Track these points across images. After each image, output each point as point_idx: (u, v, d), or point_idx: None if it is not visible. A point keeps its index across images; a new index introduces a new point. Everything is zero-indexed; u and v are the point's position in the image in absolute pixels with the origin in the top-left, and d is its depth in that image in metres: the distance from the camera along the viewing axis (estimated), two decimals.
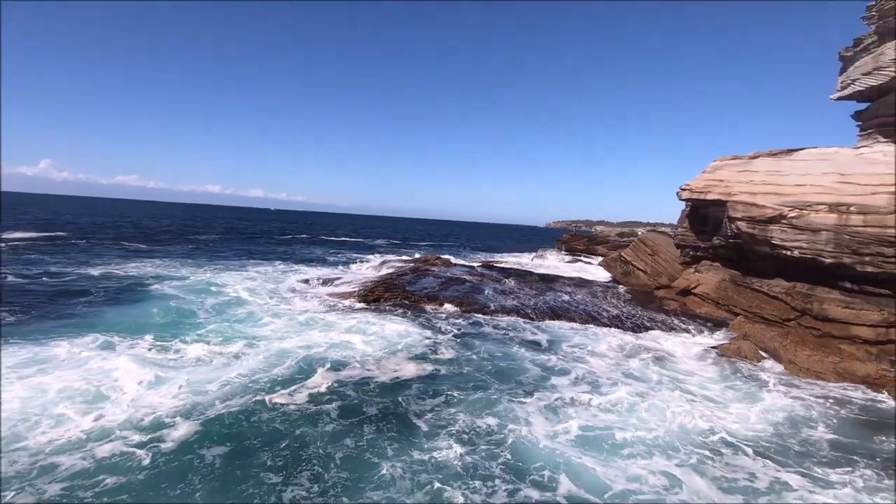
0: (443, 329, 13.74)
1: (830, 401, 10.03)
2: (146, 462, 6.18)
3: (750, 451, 7.65)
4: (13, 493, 5.37)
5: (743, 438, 8.05)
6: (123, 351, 10.26)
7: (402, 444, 7.10)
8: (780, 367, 12.07)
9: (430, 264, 27.18)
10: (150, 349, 10.52)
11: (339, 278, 22.98)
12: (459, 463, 6.65)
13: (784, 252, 15.76)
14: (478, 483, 6.23)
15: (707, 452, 7.46)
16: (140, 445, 6.52)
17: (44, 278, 18.19)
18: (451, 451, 6.91)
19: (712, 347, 13.19)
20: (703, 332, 15.37)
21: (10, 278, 17.47)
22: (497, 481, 6.31)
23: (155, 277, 20.13)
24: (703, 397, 9.71)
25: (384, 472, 6.33)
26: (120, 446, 6.48)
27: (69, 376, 8.57)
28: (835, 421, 9.04)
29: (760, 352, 12.63)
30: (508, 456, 6.96)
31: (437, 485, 6.09)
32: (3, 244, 27.64)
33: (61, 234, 37.85)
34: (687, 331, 15.40)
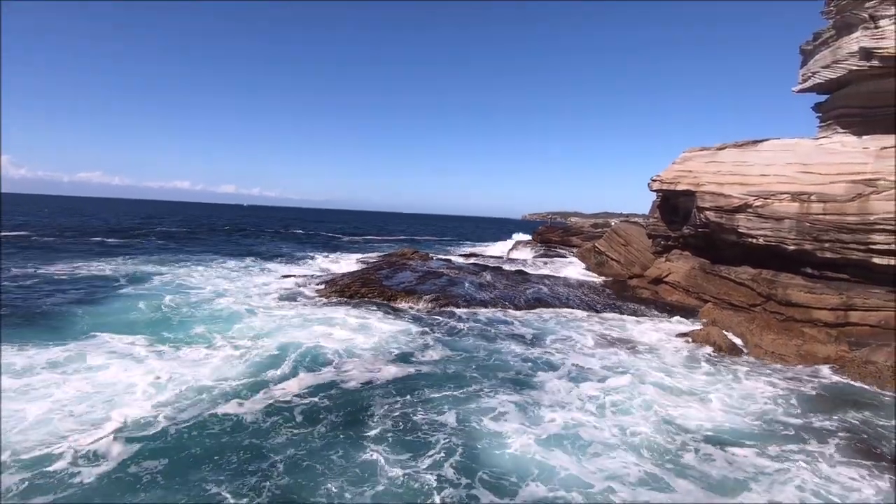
0: (420, 324, 13.71)
1: (795, 382, 10.44)
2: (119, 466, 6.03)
3: (726, 437, 7.61)
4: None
5: (717, 427, 8.01)
6: (103, 353, 9.98)
7: (361, 451, 6.66)
8: (748, 353, 12.51)
9: (408, 258, 27.13)
10: (129, 351, 10.23)
11: (314, 274, 22.74)
12: (416, 465, 6.36)
13: (750, 240, 16.32)
14: (442, 490, 5.89)
15: (684, 443, 7.34)
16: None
17: (5, 282, 17.42)
18: (412, 456, 6.59)
19: (683, 334, 13.58)
20: (673, 319, 15.80)
21: None
22: (454, 486, 5.97)
23: (125, 276, 19.54)
24: (675, 387, 9.80)
25: (331, 481, 5.98)
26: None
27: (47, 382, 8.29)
28: (801, 402, 9.31)
29: (729, 336, 13.07)
30: (470, 456, 6.64)
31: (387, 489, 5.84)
32: None
33: (22, 233, 36.30)
34: (658, 319, 15.81)
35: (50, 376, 8.59)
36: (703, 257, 19.30)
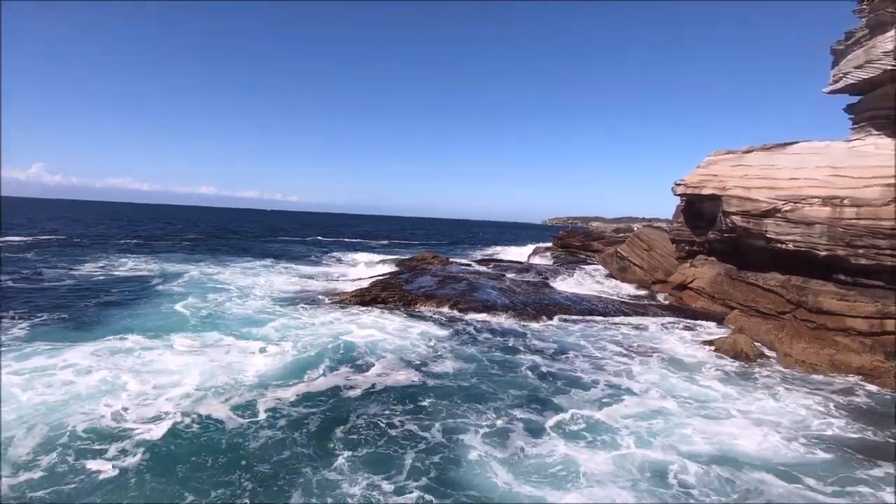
0: (439, 331, 13.68)
1: (836, 394, 9.98)
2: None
3: (758, 462, 7.00)
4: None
5: (771, 453, 7.36)
6: (147, 350, 10.50)
7: (364, 465, 6.49)
8: (777, 362, 12.15)
9: (427, 263, 27.19)
10: (168, 347, 10.61)
11: (335, 278, 22.98)
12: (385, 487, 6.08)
13: (779, 245, 15.87)
14: None
15: (717, 469, 6.70)
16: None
17: (47, 282, 18.14)
18: (406, 474, 6.37)
19: (709, 342, 13.26)
20: (698, 326, 15.46)
21: (9, 283, 17.42)
22: None
23: (160, 277, 20.90)
24: (706, 405, 9.24)
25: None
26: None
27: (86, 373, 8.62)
28: (851, 417, 8.73)
29: (756, 345, 12.71)
30: (448, 483, 6.21)
31: None
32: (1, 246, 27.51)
33: (59, 237, 37.64)
34: (683, 325, 15.48)
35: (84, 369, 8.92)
36: (728, 263, 18.85)
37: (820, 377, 11.08)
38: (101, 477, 5.94)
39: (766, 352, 12.65)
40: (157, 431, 7.06)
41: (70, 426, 7.04)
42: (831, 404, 9.39)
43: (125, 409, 7.65)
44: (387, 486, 6.04)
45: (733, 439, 7.70)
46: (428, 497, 5.90)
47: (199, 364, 9.84)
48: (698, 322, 15.94)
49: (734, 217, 17.11)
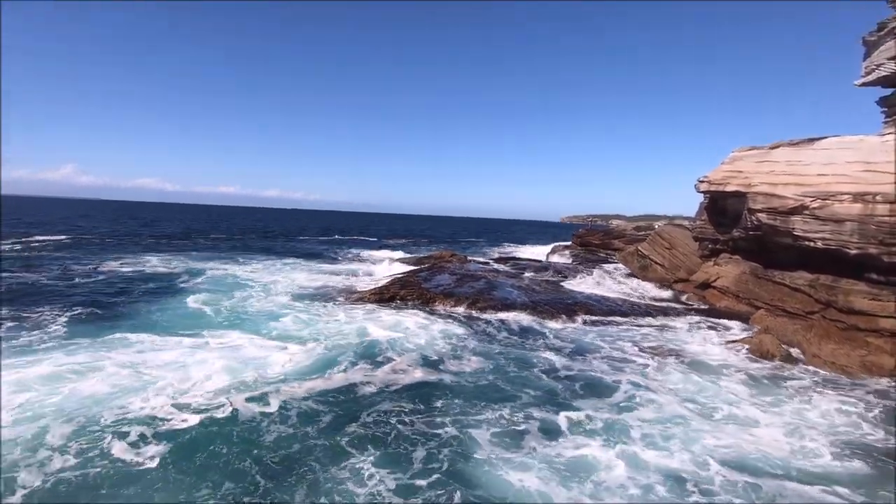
0: (456, 329, 13.68)
1: (873, 395, 9.65)
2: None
3: (784, 469, 6.65)
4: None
5: (776, 456, 7.05)
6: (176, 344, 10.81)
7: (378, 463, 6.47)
8: (805, 363, 11.82)
9: (446, 261, 27.21)
10: (194, 342, 10.87)
11: (355, 276, 23.16)
12: (417, 481, 6.12)
13: (807, 243, 15.42)
14: None
15: (739, 476, 6.46)
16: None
17: (75, 278, 18.74)
18: (420, 470, 6.39)
19: (733, 342, 12.97)
20: (722, 326, 15.14)
21: (42, 280, 18.04)
22: None
23: (185, 274, 21.68)
24: (726, 402, 9.08)
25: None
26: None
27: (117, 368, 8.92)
28: (878, 422, 8.38)
29: (783, 346, 12.38)
30: (476, 484, 6.11)
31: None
32: (35, 244, 28.51)
33: (87, 235, 38.79)
34: (706, 325, 15.17)
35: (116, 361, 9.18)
36: (753, 261, 18.39)
37: (851, 379, 10.74)
38: (126, 464, 6.17)
39: (794, 353, 12.30)
40: (180, 423, 7.25)
41: (101, 417, 7.27)
42: (863, 408, 9.05)
43: (152, 403, 7.85)
44: (395, 483, 6.06)
45: (758, 445, 7.43)
46: (437, 493, 5.90)
47: (223, 359, 10.05)
48: (722, 322, 15.60)
49: (760, 214, 16.69)
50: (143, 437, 6.80)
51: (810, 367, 11.47)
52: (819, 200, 14.98)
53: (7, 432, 6.68)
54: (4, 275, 18.95)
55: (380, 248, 43.29)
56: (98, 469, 6.04)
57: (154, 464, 6.21)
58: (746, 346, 12.38)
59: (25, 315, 12.98)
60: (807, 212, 15.21)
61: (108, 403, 7.75)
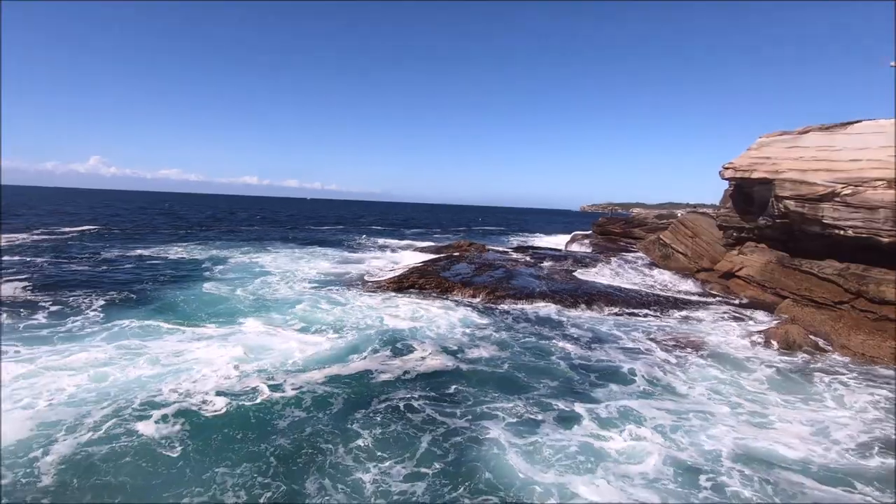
0: (474, 318, 13.69)
1: None
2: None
3: (805, 466, 6.46)
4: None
5: (799, 452, 6.83)
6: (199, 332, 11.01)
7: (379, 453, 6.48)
8: (833, 354, 11.52)
9: (464, 250, 27.20)
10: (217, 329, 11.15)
11: (373, 264, 23.32)
12: (426, 470, 6.14)
13: (837, 232, 14.96)
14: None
15: (757, 471, 6.28)
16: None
17: (104, 265, 19.33)
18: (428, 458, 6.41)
19: (757, 333, 12.71)
20: (746, 316, 14.84)
21: (75, 266, 18.66)
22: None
23: (209, 261, 22.41)
24: (748, 395, 8.88)
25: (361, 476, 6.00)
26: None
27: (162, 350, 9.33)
28: None
29: (810, 336, 12.09)
30: (483, 477, 6.04)
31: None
32: (63, 235, 29.47)
33: (113, 226, 39.86)
34: (730, 315, 14.89)
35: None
36: (780, 250, 17.93)
37: (882, 371, 10.44)
38: (151, 443, 6.44)
39: (821, 343, 12.01)
40: (203, 407, 7.47)
41: (135, 400, 7.54)
42: (895, 402, 8.79)
43: (178, 388, 8.09)
44: (401, 470, 6.11)
45: (778, 439, 7.21)
46: (442, 481, 5.92)
47: (245, 345, 10.30)
48: (746, 312, 15.30)
49: (788, 202, 16.22)
50: (168, 419, 7.03)
51: (838, 359, 11.18)
52: (851, 187, 14.48)
53: (53, 413, 7.03)
54: (40, 261, 19.65)
55: (399, 237, 43.48)
56: (125, 447, 6.29)
57: (177, 444, 6.43)
58: (771, 337, 12.11)
59: (63, 300, 13.58)
60: (837, 199, 14.73)
61: (140, 388, 8.03)
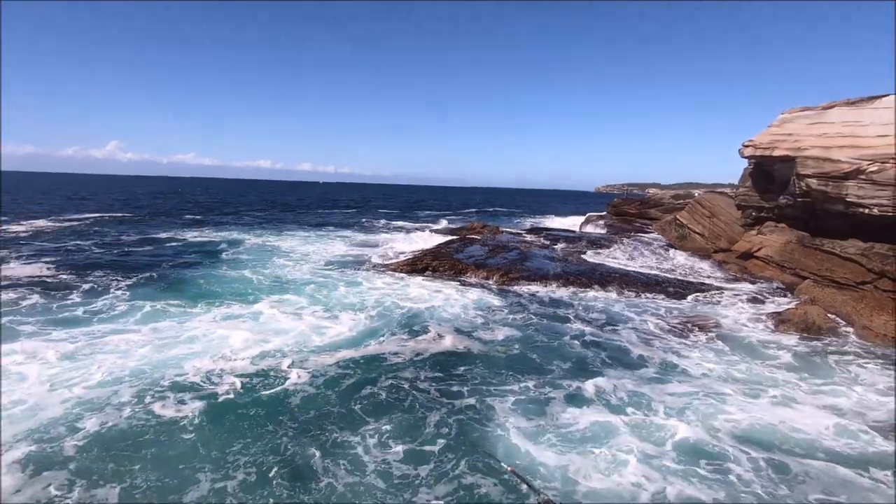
0: (487, 299, 13.69)
1: None
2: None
3: (823, 451, 6.27)
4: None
5: (816, 436, 6.63)
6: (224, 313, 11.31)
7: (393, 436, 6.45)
8: (854, 336, 11.31)
9: (477, 232, 27.13)
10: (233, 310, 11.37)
11: (387, 247, 23.40)
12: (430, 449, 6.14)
13: (861, 210, 14.54)
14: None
15: (771, 456, 6.11)
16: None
17: (124, 248, 19.73)
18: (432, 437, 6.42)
19: (775, 314, 12.51)
20: (765, 297, 14.61)
21: (95, 250, 19.08)
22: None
23: (226, 244, 23.01)
24: (765, 377, 8.71)
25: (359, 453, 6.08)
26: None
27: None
28: None
29: (830, 317, 11.86)
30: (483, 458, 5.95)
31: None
32: (88, 220, 30.08)
33: (132, 211, 40.52)
34: (747, 297, 14.66)
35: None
36: (801, 230, 17.52)
37: None
38: (169, 421, 6.61)
39: (842, 325, 11.79)
40: (221, 386, 7.63)
41: (162, 379, 7.77)
42: None
43: (199, 366, 8.28)
44: (409, 449, 6.14)
45: (797, 423, 7.00)
46: (447, 457, 5.96)
47: (261, 326, 10.55)
48: (764, 293, 15.06)
49: (810, 180, 15.77)
50: (186, 398, 7.19)
51: (858, 341, 10.98)
52: (877, 164, 14.02)
53: (90, 392, 7.28)
54: (61, 246, 20.11)
55: (412, 219, 43.51)
56: (145, 425, 6.49)
57: (194, 422, 6.59)
58: (790, 318, 11.91)
59: (91, 281, 14.15)
60: (863, 176, 14.28)
61: (163, 368, 8.23)
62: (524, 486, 3.34)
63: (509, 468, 3.66)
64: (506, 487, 5.43)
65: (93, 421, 6.44)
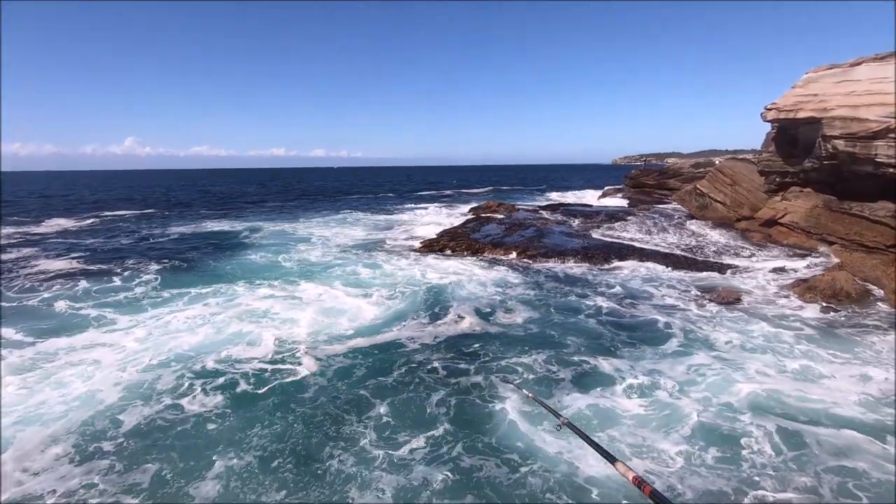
0: (505, 277, 13.70)
1: None
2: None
3: (847, 421, 6.09)
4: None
5: (843, 408, 6.41)
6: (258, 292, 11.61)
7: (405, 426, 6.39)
8: (884, 300, 11.02)
9: (493, 211, 26.99)
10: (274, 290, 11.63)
11: (404, 229, 23.49)
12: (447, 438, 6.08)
13: (891, 170, 14.00)
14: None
15: (794, 427, 5.99)
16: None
17: (159, 238, 20.26)
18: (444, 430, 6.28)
19: (802, 281, 12.23)
20: (791, 264, 14.28)
21: (122, 243, 19.64)
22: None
23: (248, 231, 23.68)
24: (789, 348, 8.51)
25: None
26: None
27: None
28: None
29: (859, 282, 11.56)
30: (496, 442, 5.95)
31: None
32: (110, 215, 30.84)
33: (153, 206, 41.35)
34: (771, 266, 14.36)
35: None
36: (827, 194, 16.98)
37: None
38: (190, 411, 6.78)
39: (872, 289, 11.48)
40: (242, 373, 7.85)
41: (192, 365, 8.03)
42: None
43: (228, 354, 8.56)
44: (420, 433, 6.16)
45: (822, 397, 6.79)
46: (447, 439, 5.97)
47: (286, 310, 10.86)
48: (790, 260, 14.72)
49: (837, 141, 15.20)
50: (208, 389, 7.34)
51: (887, 307, 10.68)
52: None
53: (135, 377, 7.67)
54: (90, 242, 20.71)
55: (428, 200, 43.43)
56: (167, 415, 6.70)
57: (220, 409, 6.79)
58: (817, 285, 11.65)
59: (118, 270, 14.98)
60: (892, 135, 13.70)
61: (192, 354, 8.53)
62: (544, 410, 3.41)
63: (529, 394, 3.74)
64: (509, 468, 5.44)
65: (136, 408, 6.76)
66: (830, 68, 17.31)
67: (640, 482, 1.87)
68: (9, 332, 9.61)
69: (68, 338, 9.34)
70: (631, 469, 1.99)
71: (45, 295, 12.40)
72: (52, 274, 14.60)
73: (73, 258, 17.03)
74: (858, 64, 16.38)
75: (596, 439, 2.46)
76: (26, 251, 18.65)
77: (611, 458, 2.16)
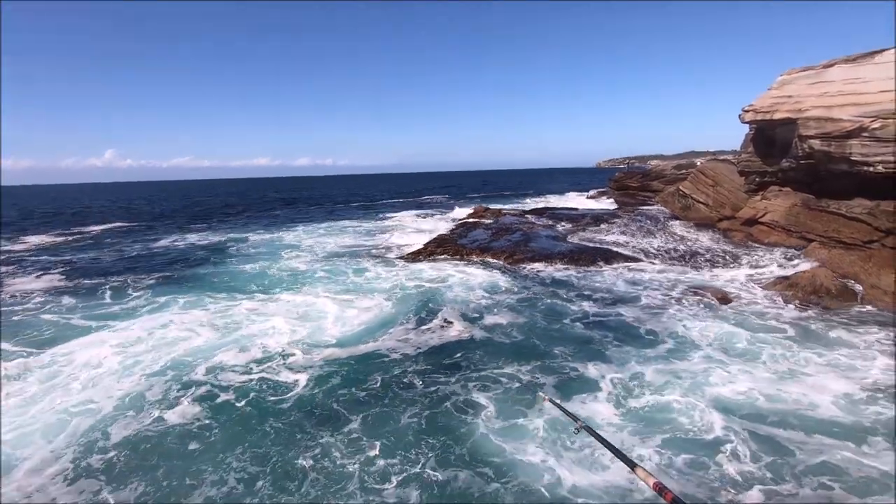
0: (492, 281, 13.73)
1: None
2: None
3: (827, 423, 6.12)
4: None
5: (825, 408, 6.47)
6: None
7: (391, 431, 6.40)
8: (863, 295, 11.26)
9: (480, 216, 27.07)
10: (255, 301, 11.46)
11: (390, 237, 23.43)
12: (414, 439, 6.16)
13: (866, 168, 14.34)
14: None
15: (772, 431, 6.00)
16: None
17: (155, 248, 19.94)
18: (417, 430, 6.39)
19: (783, 278, 12.45)
20: (772, 262, 14.53)
21: (105, 259, 19.29)
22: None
23: (232, 243, 23.49)
24: (770, 347, 8.57)
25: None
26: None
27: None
28: None
29: (839, 279, 11.80)
30: (468, 450, 5.89)
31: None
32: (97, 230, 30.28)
33: (136, 220, 40.75)
34: (752, 264, 14.60)
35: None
36: (805, 192, 17.33)
37: None
38: (175, 422, 6.69)
39: (850, 285, 11.72)
40: (236, 381, 7.77)
41: (184, 375, 7.91)
42: None
43: (217, 361, 8.49)
44: (401, 444, 6.13)
45: (806, 395, 6.85)
46: (417, 451, 5.92)
47: (273, 319, 10.75)
48: (771, 258, 14.97)
49: (812, 141, 15.55)
50: (193, 401, 7.29)
51: (866, 304, 10.90)
52: (880, 120, 13.77)
53: (118, 390, 7.44)
54: (71, 257, 20.31)
55: (415, 207, 43.42)
56: (154, 425, 6.61)
57: (201, 421, 6.74)
58: (798, 282, 11.87)
59: (114, 283, 14.92)
60: (866, 133, 14.05)
61: (173, 368, 8.39)
62: (560, 413, 3.39)
63: (545, 398, 3.71)
64: (483, 480, 5.37)
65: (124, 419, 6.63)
66: (804, 70, 17.74)
67: (661, 489, 1.83)
68: None
69: (51, 348, 9.34)
70: (651, 475, 1.95)
71: (30, 307, 12.25)
72: (33, 291, 14.27)
73: (56, 273, 16.70)
74: (831, 65, 16.81)
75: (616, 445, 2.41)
76: (2, 269, 18.24)
77: (630, 464, 2.10)
